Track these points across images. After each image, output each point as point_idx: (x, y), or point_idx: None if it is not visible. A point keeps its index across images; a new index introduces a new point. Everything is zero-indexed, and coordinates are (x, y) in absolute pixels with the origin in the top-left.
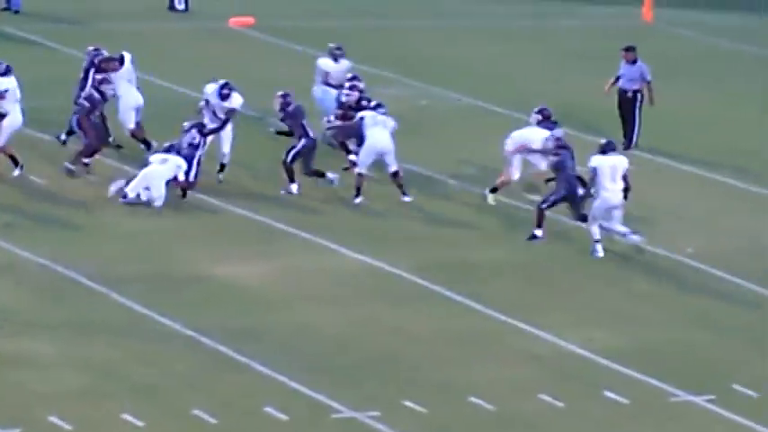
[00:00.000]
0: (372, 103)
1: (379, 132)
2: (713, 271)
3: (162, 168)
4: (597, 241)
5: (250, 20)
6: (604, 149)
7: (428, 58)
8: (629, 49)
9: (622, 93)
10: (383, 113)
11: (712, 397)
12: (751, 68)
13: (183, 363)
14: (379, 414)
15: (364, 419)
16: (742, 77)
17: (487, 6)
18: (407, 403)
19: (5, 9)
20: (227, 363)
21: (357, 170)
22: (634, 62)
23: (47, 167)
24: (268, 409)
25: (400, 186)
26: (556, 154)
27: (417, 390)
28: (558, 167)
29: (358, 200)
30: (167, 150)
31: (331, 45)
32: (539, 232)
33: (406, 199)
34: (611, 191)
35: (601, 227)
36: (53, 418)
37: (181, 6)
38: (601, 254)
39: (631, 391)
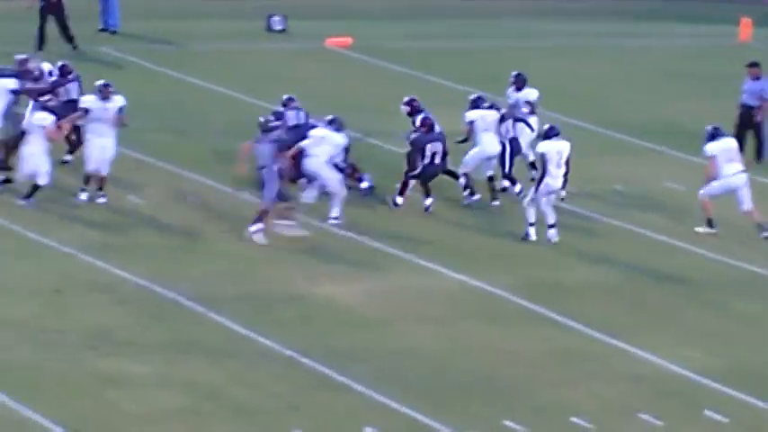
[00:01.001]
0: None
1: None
2: None
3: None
4: (532, 224)
5: (347, 40)
6: (549, 134)
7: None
8: (753, 65)
9: (747, 108)
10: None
11: None
12: None
13: (282, 384)
14: None
15: None
16: None
17: (579, 26)
18: (508, 423)
19: (103, 30)
20: (328, 383)
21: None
22: (758, 78)
23: (146, 188)
24: (368, 430)
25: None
26: None
27: (518, 410)
28: None
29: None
30: None
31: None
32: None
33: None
34: (554, 176)
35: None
36: None
37: (278, 27)
38: (533, 238)
39: (731, 410)
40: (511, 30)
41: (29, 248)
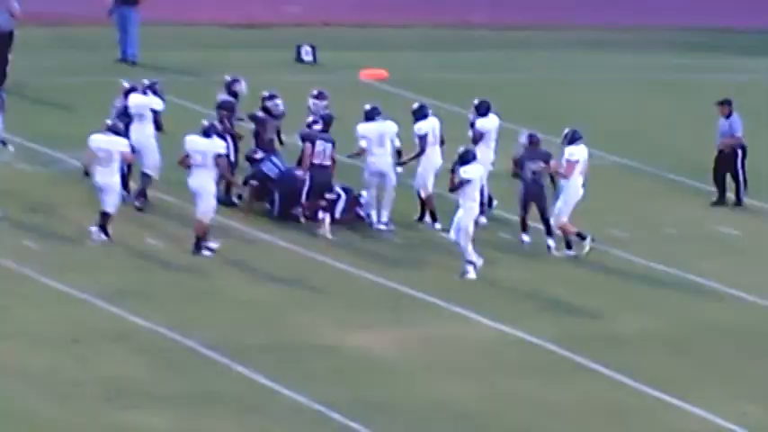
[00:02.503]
0: None
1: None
2: None
3: None
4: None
5: (383, 72)
6: (371, 116)
7: (565, 111)
8: (722, 103)
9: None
10: None
11: None
12: None
13: None
14: None
15: None
16: None
17: (630, 56)
18: None
19: (122, 60)
20: None
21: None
22: (729, 116)
23: (159, 231)
24: None
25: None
26: None
27: None
28: None
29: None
30: None
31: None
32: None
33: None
34: (377, 155)
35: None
36: None
37: (308, 58)
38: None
39: None
40: (552, 61)
41: (44, 294)
